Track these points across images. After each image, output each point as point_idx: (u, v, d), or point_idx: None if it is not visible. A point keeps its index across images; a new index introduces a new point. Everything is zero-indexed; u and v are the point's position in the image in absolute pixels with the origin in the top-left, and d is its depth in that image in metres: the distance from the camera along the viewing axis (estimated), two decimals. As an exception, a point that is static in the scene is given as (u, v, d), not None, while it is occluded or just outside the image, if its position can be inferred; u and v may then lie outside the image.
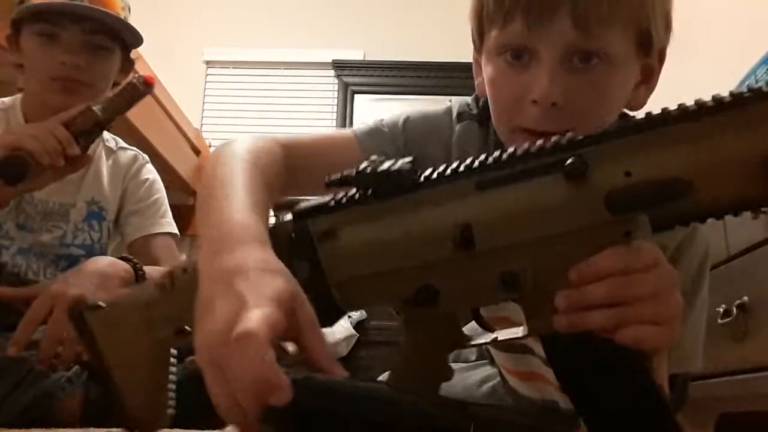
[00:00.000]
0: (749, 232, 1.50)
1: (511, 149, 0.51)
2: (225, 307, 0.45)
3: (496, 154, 0.51)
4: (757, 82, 1.80)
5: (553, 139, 0.49)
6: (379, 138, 0.81)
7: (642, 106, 0.75)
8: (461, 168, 0.51)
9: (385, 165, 0.52)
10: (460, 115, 0.84)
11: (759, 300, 1.46)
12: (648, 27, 0.66)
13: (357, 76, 3.71)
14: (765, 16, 2.06)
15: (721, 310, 1.55)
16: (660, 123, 0.46)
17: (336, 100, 3.70)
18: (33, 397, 1.02)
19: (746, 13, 2.20)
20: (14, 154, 1.02)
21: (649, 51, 0.69)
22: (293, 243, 0.54)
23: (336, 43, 3.72)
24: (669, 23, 0.71)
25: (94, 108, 1.10)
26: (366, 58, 3.73)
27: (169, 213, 1.42)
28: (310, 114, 3.70)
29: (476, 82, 0.80)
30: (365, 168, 0.52)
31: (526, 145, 0.50)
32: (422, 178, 0.52)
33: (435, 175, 0.52)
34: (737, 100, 0.44)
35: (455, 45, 3.83)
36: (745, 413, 1.46)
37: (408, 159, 0.52)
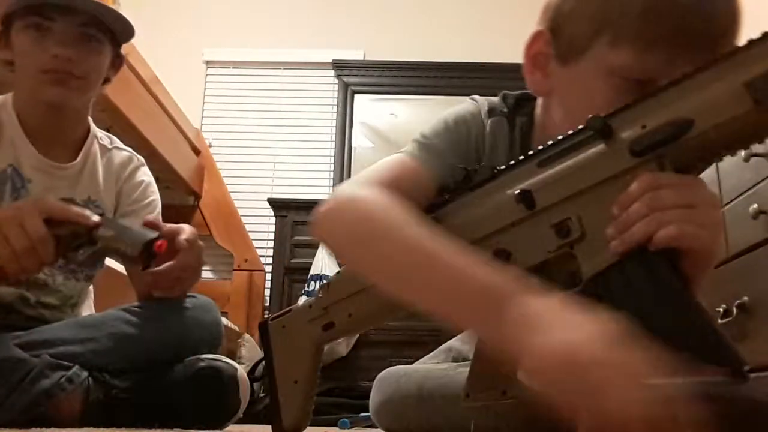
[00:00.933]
0: (749, 232, 1.50)
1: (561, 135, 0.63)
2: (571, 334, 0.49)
3: (551, 141, 0.63)
4: (757, 82, 1.80)
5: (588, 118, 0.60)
6: (436, 155, 0.79)
7: None
8: (528, 155, 0.65)
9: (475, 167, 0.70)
10: (491, 111, 0.84)
11: (759, 300, 1.46)
12: None
13: (357, 76, 3.71)
14: (765, 16, 2.06)
15: (721, 310, 1.55)
16: (662, 89, 0.58)
17: (336, 100, 3.70)
18: (33, 397, 1.02)
19: (746, 13, 2.20)
20: None
21: None
22: None
23: (336, 43, 3.72)
24: None
25: (99, 226, 1.03)
26: (366, 58, 3.73)
27: (161, 217, 1.40)
28: (310, 114, 3.70)
29: (532, 78, 0.76)
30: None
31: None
32: (498, 170, 0.67)
33: (509, 165, 0.66)
34: (713, 61, 0.56)
35: (455, 45, 3.84)
36: (745, 411, 1.46)
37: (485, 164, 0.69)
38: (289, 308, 0.85)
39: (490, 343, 0.57)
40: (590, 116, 0.60)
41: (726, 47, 0.63)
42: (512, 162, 0.66)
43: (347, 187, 0.75)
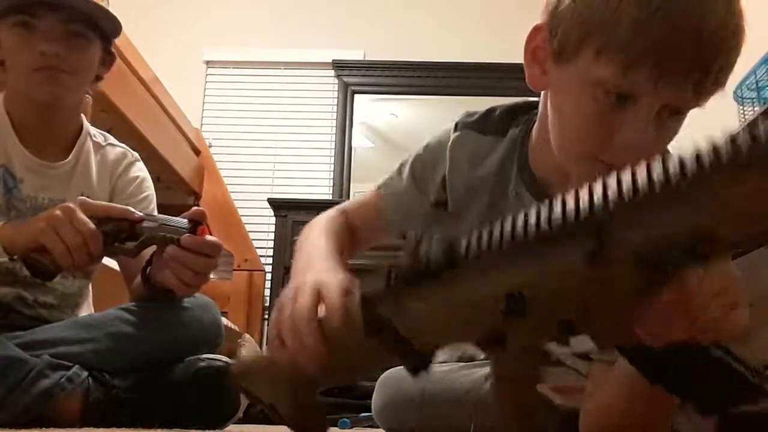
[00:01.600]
0: (749, 232, 1.51)
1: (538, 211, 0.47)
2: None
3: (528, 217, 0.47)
4: (757, 82, 1.80)
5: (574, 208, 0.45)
6: (395, 192, 0.95)
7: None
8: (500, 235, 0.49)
9: (421, 252, 0.53)
10: (457, 125, 0.89)
11: (759, 300, 1.46)
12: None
13: (357, 76, 3.72)
14: (765, 16, 2.06)
15: (721, 310, 1.55)
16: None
17: (336, 100, 3.70)
18: (33, 397, 1.02)
19: (746, 13, 2.20)
20: (37, 261, 1.02)
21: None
22: (367, 325, 0.57)
23: (336, 43, 3.72)
24: None
25: (143, 220, 1.09)
26: (366, 58, 3.73)
27: (155, 212, 1.40)
28: (310, 114, 3.70)
29: (530, 71, 0.75)
30: (407, 258, 0.54)
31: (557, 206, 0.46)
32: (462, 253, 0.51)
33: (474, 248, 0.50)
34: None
35: (456, 45, 3.84)
36: (746, 413, 1.46)
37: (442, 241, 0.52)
38: None
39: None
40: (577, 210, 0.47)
41: (722, 68, 0.62)
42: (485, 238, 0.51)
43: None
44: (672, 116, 0.66)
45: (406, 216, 0.95)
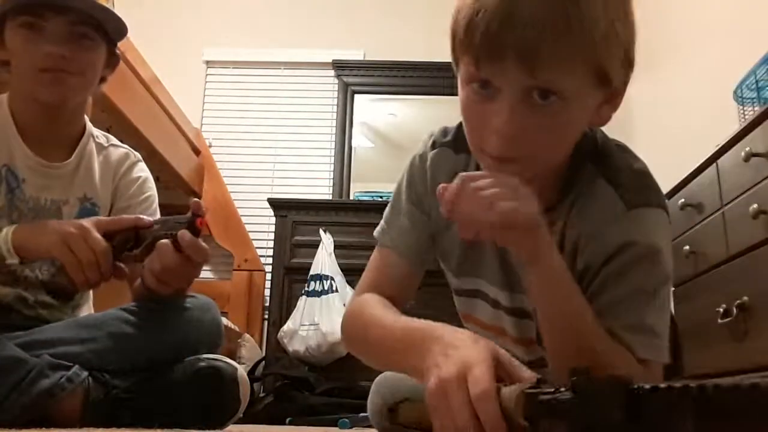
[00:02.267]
0: (749, 232, 1.50)
1: None
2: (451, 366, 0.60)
3: None
4: (757, 82, 1.80)
5: None
6: (401, 233, 0.92)
7: (604, 124, 0.78)
8: None
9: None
10: (434, 143, 0.92)
11: (759, 300, 1.46)
12: (603, 66, 0.69)
13: (357, 76, 3.72)
14: (765, 16, 2.06)
15: (721, 310, 1.55)
16: None
17: (336, 100, 3.70)
18: (33, 397, 1.02)
19: (746, 13, 2.20)
20: (56, 284, 1.05)
21: (609, 84, 0.71)
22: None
23: (336, 43, 3.72)
24: (630, 61, 0.72)
25: (152, 225, 1.10)
26: (366, 58, 3.73)
27: (158, 212, 1.41)
28: (310, 114, 3.70)
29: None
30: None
31: None
32: None
33: None
34: None
35: (455, 45, 3.83)
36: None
37: None
38: None
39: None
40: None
41: (556, 43, 0.65)
42: None
43: (350, 300, 0.93)
44: (546, 99, 0.68)
45: (423, 248, 0.92)
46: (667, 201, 0.80)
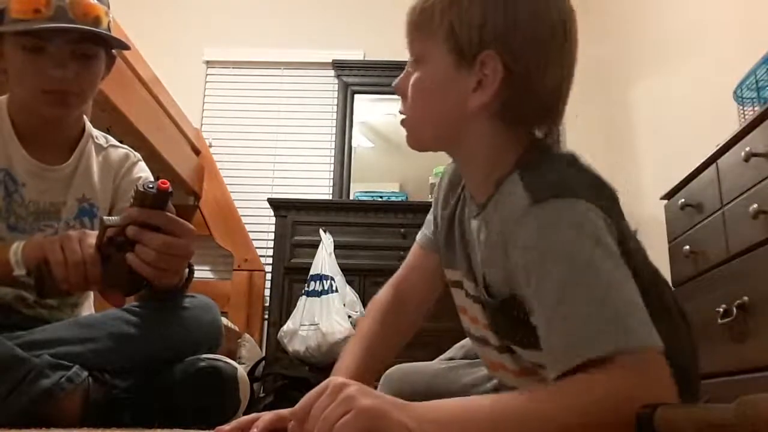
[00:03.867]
0: (749, 232, 1.50)
1: None
2: None
3: None
4: (757, 82, 1.79)
5: None
6: (425, 226, 1.02)
7: (473, 111, 0.76)
8: None
9: None
10: None
11: (759, 300, 1.45)
12: (453, 28, 0.77)
13: (357, 76, 3.72)
14: (764, 16, 2.06)
15: (721, 310, 1.55)
16: None
17: (336, 100, 3.70)
18: (33, 397, 1.02)
19: (746, 13, 2.20)
20: (39, 271, 1.04)
21: (461, 53, 0.77)
22: None
23: (336, 43, 3.72)
24: (484, 41, 0.75)
25: (107, 221, 1.05)
26: (366, 58, 3.73)
27: None
28: (310, 114, 3.70)
29: None
30: None
31: None
32: None
33: None
34: None
35: (455, 45, 3.83)
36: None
37: None
38: None
39: None
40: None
41: (419, 36, 0.87)
42: None
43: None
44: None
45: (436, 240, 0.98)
46: (592, 194, 0.68)
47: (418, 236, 1.03)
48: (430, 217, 1.00)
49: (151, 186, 1.01)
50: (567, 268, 0.63)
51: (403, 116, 0.86)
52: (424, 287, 1.01)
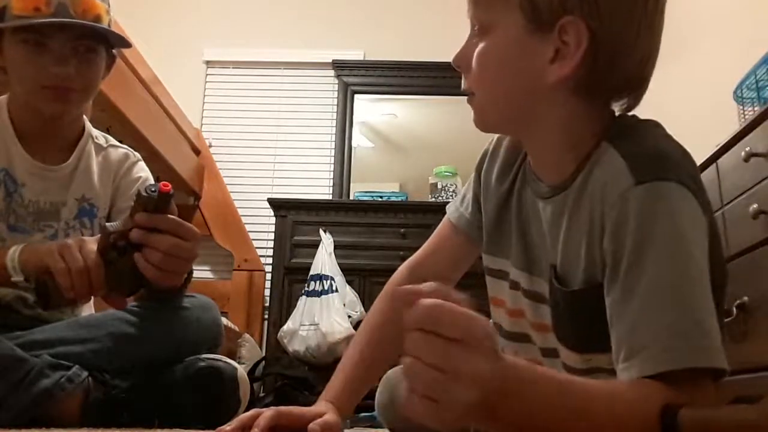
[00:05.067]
0: (749, 232, 1.50)
1: None
2: None
3: None
4: (757, 82, 1.80)
5: None
6: (457, 200, 0.94)
7: (551, 84, 0.69)
8: None
9: None
10: None
11: (759, 300, 1.45)
12: None
13: (357, 76, 3.72)
14: (765, 16, 2.06)
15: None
16: None
17: (336, 100, 3.70)
18: (33, 397, 1.02)
19: (746, 13, 2.20)
20: (43, 283, 1.02)
21: (539, 21, 0.67)
22: None
23: (336, 43, 3.72)
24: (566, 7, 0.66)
25: (110, 227, 1.03)
26: (366, 58, 3.73)
27: None
28: (310, 114, 3.70)
29: None
30: None
31: None
32: None
33: None
34: None
35: (455, 45, 3.83)
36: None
37: None
38: None
39: None
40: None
41: (485, 2, 0.72)
42: None
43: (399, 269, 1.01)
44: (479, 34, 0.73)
45: (470, 213, 0.91)
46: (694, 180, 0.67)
47: (450, 210, 0.93)
48: (469, 195, 0.91)
49: (153, 189, 1.00)
50: (662, 267, 0.61)
51: (469, 94, 0.75)
52: (444, 274, 0.91)
